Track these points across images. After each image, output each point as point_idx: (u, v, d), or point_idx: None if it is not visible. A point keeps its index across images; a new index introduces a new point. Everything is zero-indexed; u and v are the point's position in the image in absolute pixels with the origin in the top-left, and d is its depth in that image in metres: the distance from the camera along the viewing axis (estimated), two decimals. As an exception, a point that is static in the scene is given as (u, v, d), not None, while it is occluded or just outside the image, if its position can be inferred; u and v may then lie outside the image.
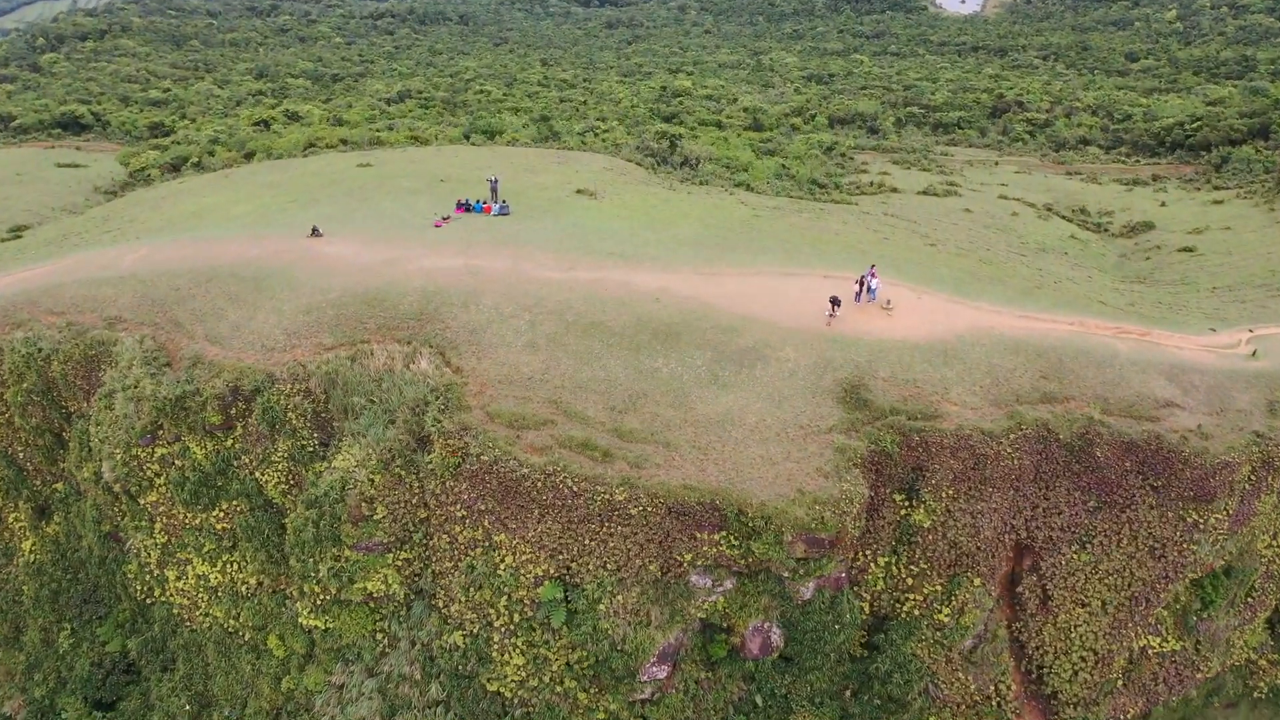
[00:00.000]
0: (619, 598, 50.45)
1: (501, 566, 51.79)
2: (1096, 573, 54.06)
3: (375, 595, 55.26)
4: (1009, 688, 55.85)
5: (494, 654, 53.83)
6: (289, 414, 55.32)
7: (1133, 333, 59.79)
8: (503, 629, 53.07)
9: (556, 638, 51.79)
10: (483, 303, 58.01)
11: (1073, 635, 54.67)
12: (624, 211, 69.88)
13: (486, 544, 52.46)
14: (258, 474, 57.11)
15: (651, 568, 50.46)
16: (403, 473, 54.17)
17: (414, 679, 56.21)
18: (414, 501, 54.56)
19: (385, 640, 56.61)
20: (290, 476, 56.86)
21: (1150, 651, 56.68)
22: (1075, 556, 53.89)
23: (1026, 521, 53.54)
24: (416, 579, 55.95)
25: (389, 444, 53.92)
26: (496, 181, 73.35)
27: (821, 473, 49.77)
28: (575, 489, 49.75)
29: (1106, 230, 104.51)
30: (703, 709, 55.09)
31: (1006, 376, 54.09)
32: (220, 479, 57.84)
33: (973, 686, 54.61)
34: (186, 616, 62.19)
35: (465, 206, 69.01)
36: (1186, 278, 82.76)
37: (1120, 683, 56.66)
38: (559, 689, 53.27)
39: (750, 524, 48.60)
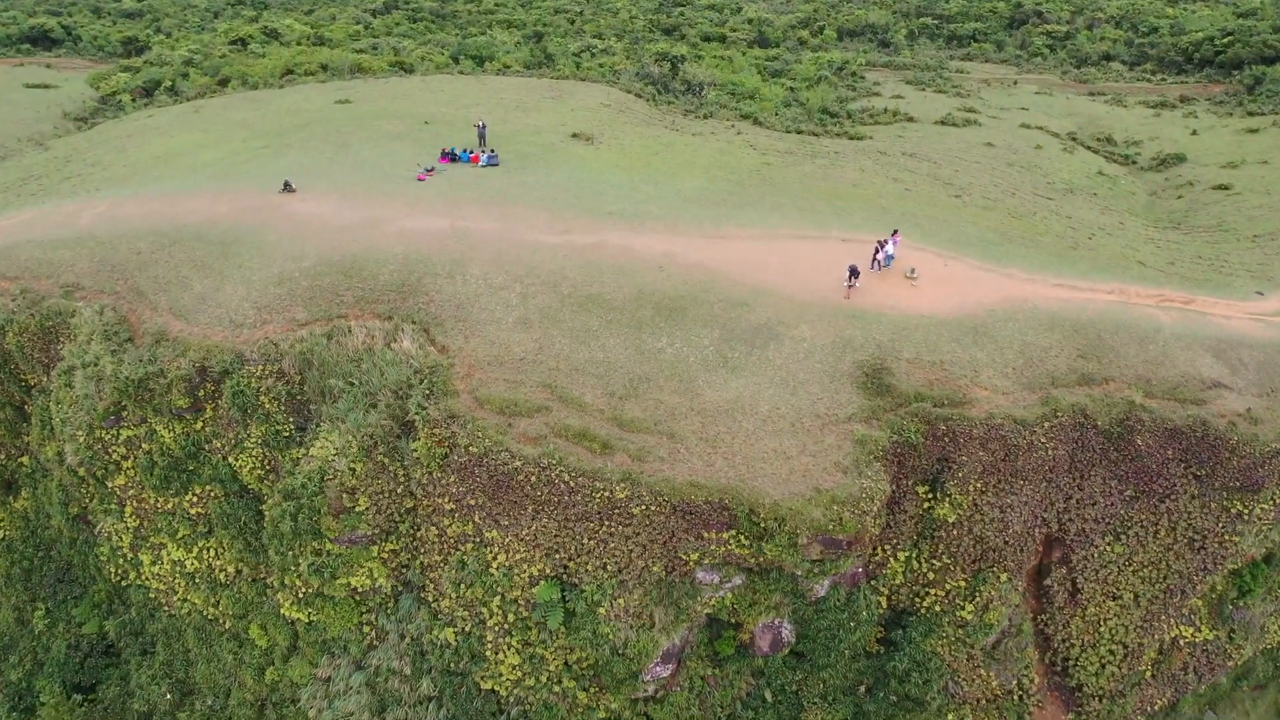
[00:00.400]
0: (620, 601, 47.02)
1: (494, 565, 48.27)
2: (1130, 565, 50.58)
3: (360, 590, 51.95)
4: (1032, 681, 53.02)
5: (487, 652, 50.73)
6: (261, 398, 51.05)
7: (1176, 300, 55.08)
8: (496, 628, 49.86)
9: (554, 638, 48.63)
10: (470, 272, 53.13)
11: (1101, 628, 51.52)
12: (623, 160, 64.33)
13: (477, 540, 48.86)
14: (231, 459, 53.17)
15: (655, 568, 46.90)
16: (386, 460, 50.23)
17: (404, 674, 53.30)
18: (399, 491, 50.75)
19: (373, 633, 53.51)
20: (265, 462, 52.95)
21: (1182, 641, 53.65)
22: (1108, 548, 50.34)
23: (1058, 514, 49.82)
24: (404, 571, 52.54)
25: (370, 430, 49.81)
26: (484, 127, 67.51)
27: (840, 468, 45.78)
28: (572, 484, 45.86)
29: (1134, 163, 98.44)
30: (709, 706, 52.31)
31: (1041, 356, 49.65)
32: (191, 463, 53.93)
33: (995, 683, 51.70)
34: (164, 601, 59.08)
35: (451, 156, 63.45)
36: (1224, 222, 77.42)
37: (1149, 674, 53.79)
38: (557, 689, 50.35)
39: (762, 524, 44.90)
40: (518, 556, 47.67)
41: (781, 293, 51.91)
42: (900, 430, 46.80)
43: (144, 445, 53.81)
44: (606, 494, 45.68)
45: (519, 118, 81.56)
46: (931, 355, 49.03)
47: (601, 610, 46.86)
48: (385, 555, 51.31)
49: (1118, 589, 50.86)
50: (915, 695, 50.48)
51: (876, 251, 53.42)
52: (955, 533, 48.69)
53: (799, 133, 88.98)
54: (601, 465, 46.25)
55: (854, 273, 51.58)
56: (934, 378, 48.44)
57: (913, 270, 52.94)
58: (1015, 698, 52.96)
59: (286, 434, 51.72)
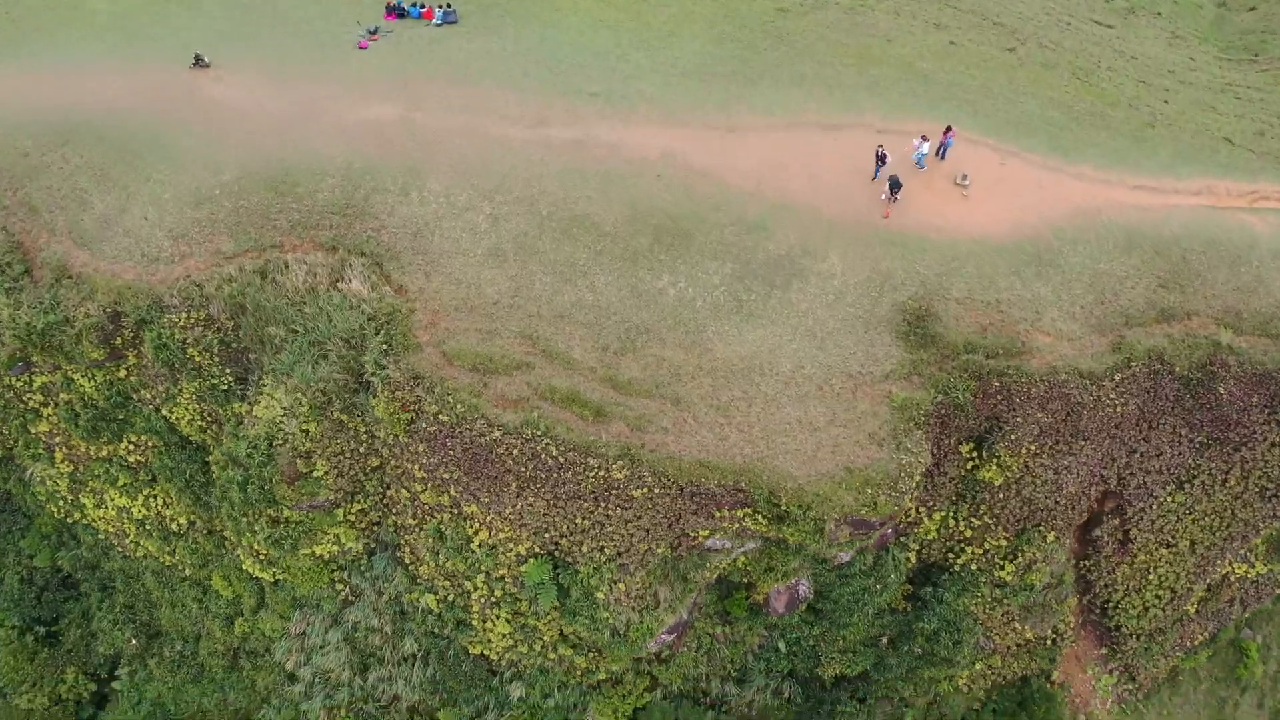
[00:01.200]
0: (620, 585, 41.68)
1: (475, 542, 42.49)
2: (1191, 513, 45.20)
3: (327, 557, 46.47)
4: (1068, 625, 49.04)
5: (474, 621, 46.08)
6: (189, 350, 43.14)
7: (1272, 199, 46.23)
8: (482, 600, 44.87)
9: (547, 614, 43.74)
10: (428, 186, 43.63)
11: (1150, 575, 46.92)
12: (607, 10, 52.51)
13: (455, 512, 42.80)
14: (165, 411, 45.99)
15: (659, 550, 41.23)
16: (344, 417, 43.26)
17: (384, 632, 48.97)
18: (361, 450, 44.14)
19: (346, 590, 48.62)
20: (204, 414, 45.84)
21: (1233, 578, 49.29)
22: (1169, 498, 44.69)
23: (1119, 470, 43.72)
24: (375, 529, 46.88)
25: (321, 384, 42.46)
26: (438, -39, 54.72)
27: (874, 439, 39.07)
28: (561, 460, 39.28)
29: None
30: (717, 662, 48.50)
31: (1115, 289, 41.67)
32: (120, 412, 46.78)
33: (1030, 634, 47.66)
34: (116, 543, 53.72)
35: (398, 11, 51.52)
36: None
37: (1193, 610, 49.81)
38: (552, 655, 46.13)
39: (784, 507, 38.79)
40: (502, 535, 41.80)
41: (806, 209, 42.88)
42: (946, 389, 39.70)
43: (62, 395, 46.40)
44: (602, 473, 39.19)
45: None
46: (986, 293, 40.98)
47: (600, 595, 41.61)
48: (353, 517, 45.42)
49: (1173, 537, 45.73)
50: (944, 655, 46.45)
51: (920, 144, 43.42)
52: (1001, 495, 42.75)
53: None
54: (595, 437, 39.43)
55: (895, 186, 42.23)
56: (988, 322, 40.68)
57: (964, 177, 43.62)
58: (1048, 643, 49.19)
59: (224, 387, 44.26)
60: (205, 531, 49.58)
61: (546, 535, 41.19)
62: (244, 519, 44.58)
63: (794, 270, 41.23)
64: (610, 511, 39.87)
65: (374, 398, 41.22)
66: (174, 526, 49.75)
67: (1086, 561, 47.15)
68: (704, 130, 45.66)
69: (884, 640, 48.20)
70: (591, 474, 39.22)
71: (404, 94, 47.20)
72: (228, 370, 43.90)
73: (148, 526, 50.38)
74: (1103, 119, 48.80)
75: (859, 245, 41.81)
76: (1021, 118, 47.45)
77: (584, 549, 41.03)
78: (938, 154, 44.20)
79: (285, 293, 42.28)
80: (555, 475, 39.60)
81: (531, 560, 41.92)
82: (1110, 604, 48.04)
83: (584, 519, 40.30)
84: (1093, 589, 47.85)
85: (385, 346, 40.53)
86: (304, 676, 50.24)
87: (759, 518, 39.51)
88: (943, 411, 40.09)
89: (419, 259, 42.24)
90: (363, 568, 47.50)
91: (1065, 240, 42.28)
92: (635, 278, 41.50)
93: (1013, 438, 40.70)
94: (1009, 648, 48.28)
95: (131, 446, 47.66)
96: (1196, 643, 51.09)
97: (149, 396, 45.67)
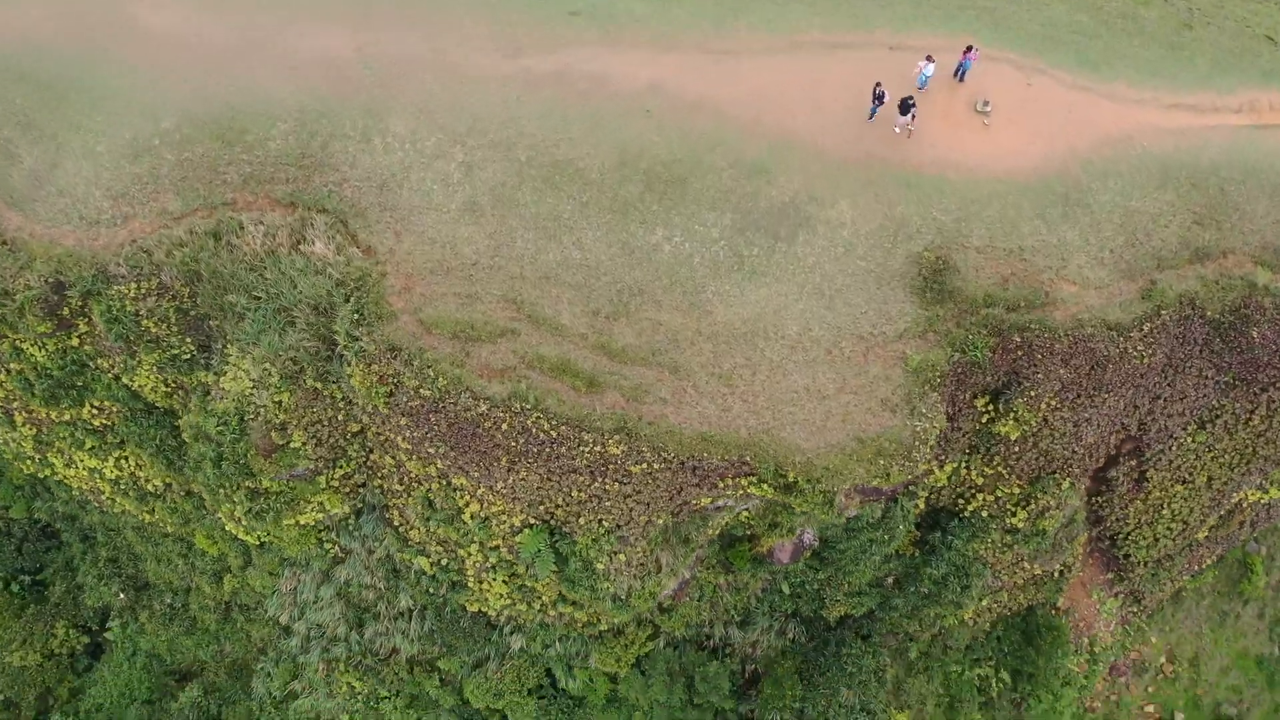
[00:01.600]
0: (620, 556, 40.01)
1: (466, 513, 40.51)
2: (1210, 451, 43.44)
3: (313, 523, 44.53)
4: (1077, 559, 48.08)
5: (470, 584, 44.71)
6: (143, 321, 39.75)
7: (1318, 112, 42.33)
8: (477, 566, 43.33)
9: (545, 578, 42.24)
10: (391, 130, 39.28)
11: (1164, 510, 45.57)
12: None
13: (443, 483, 40.62)
14: (125, 380, 42.95)
15: (660, 520, 39.38)
16: (319, 385, 40.53)
17: (377, 588, 47.70)
18: (340, 418, 41.59)
19: (336, 549, 47.01)
20: (169, 382, 42.86)
21: (1245, 504, 48.09)
22: (1189, 439, 42.82)
23: (1141, 416, 41.57)
24: (361, 491, 44.81)
25: (291, 353, 39.52)
26: None
27: (887, 406, 36.67)
28: (554, 435, 36.84)
29: None
30: (720, 609, 47.57)
31: (1147, 229, 38.38)
32: (78, 379, 43.67)
33: (1038, 571, 46.70)
34: (93, 499, 51.63)
35: (346, -89, 45.45)
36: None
37: (1203, 537, 48.83)
38: (552, 612, 45.05)
39: (791, 479, 36.75)
40: (494, 508, 39.77)
41: (811, 145, 38.86)
42: (964, 347, 36.98)
43: (11, 365, 43.15)
44: (597, 449, 36.83)
45: None
46: (1008, 239, 37.65)
47: (599, 566, 40.01)
48: (336, 483, 43.22)
49: (1190, 474, 44.19)
50: (952, 599, 45.53)
51: (925, 64, 38.73)
52: (1017, 449, 40.70)
53: None
54: (589, 409, 36.88)
55: (908, 108, 38.08)
56: (1010, 272, 37.55)
57: (985, 103, 39.37)
58: (1055, 575, 48.36)
59: (187, 356, 41.15)
60: (183, 493, 47.46)
61: (541, 507, 39.21)
62: (221, 490, 42.38)
63: (799, 220, 37.66)
64: (608, 486, 37.75)
65: (349, 368, 38.33)
66: (150, 488, 47.58)
67: (1098, 498, 45.70)
68: (697, 54, 40.90)
69: (890, 581, 47.26)
70: (586, 449, 36.87)
71: (357, 18, 41.95)
72: (188, 339, 40.68)
73: (122, 486, 48.18)
74: (1135, 21, 44.03)
75: (870, 186, 38.11)
76: (1047, 26, 42.72)
77: (581, 521, 39.15)
78: (956, 75, 39.82)
79: (243, 257, 38.60)
80: (548, 450, 37.21)
81: (527, 531, 40.08)
82: (1120, 535, 46.96)
83: (580, 492, 38.22)
84: (1103, 523, 46.66)
85: (357, 316, 37.28)
86: (299, 631, 49.34)
87: (765, 486, 37.52)
88: (959, 371, 37.53)
89: (387, 216, 38.40)
90: (351, 528, 45.70)
91: (1095, 175, 38.63)
92: (626, 232, 37.91)
93: (1032, 394, 38.29)
94: (1016, 583, 47.48)
95: (95, 411, 44.83)
96: (1204, 565, 50.48)
97: (107, 365, 42.53)
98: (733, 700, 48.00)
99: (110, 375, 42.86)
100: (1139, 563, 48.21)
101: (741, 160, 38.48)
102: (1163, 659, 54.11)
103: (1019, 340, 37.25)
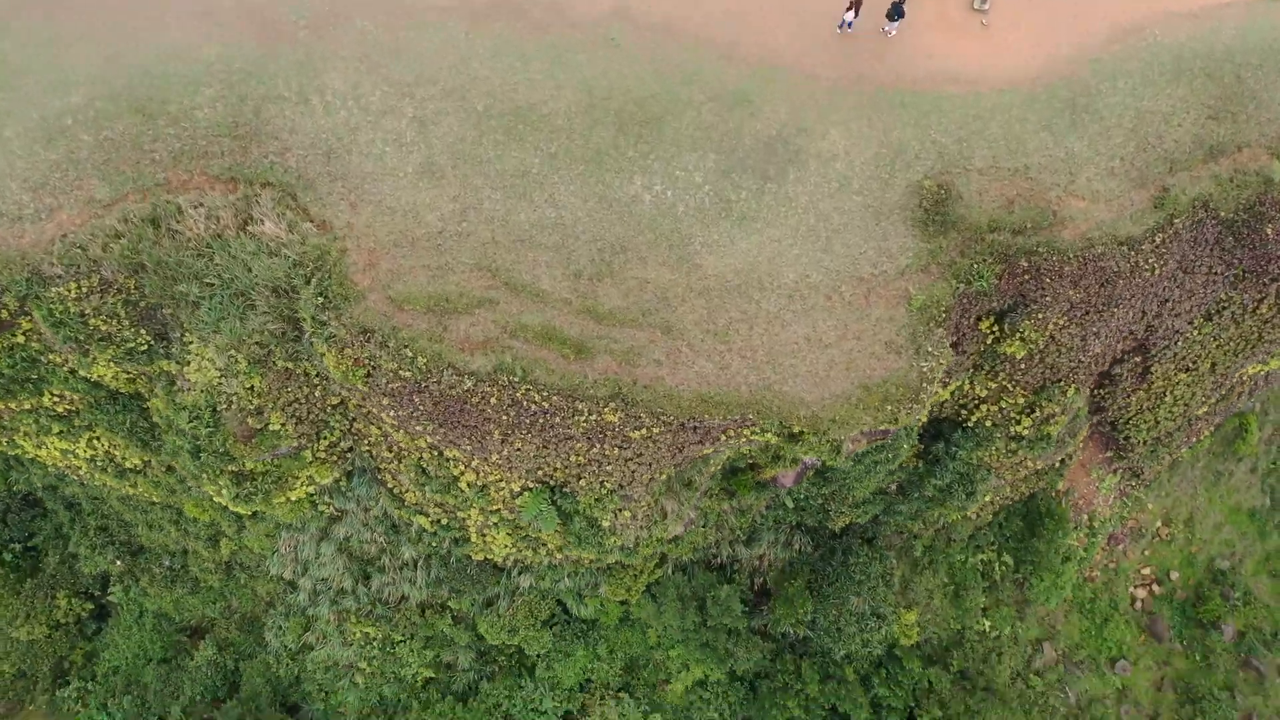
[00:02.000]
0: (625, 512, 39.18)
1: (462, 482, 39.30)
2: (1215, 340, 42.46)
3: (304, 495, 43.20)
4: (1078, 448, 47.89)
5: (472, 538, 44.05)
6: (90, 321, 36.81)
7: (1338, -30, 38.78)
8: (479, 524, 42.52)
9: (551, 534, 41.59)
10: (330, 85, 35.25)
11: (1166, 397, 45.03)
12: None
13: (435, 453, 39.16)
14: (83, 373, 40.34)
15: (662, 476, 38.35)
16: (290, 365, 38.29)
17: (378, 543, 47.08)
18: (318, 394, 39.60)
19: (331, 509, 45.98)
20: (129, 371, 40.33)
21: (1246, 376, 47.61)
22: (1195, 331, 41.68)
23: (1149, 321, 40.15)
24: (349, 455, 43.33)
25: (256, 337, 37.08)
26: None
27: (892, 348, 35.02)
28: (546, 406, 35.19)
29: None
30: (726, 530, 47.43)
31: (1159, 130, 35.65)
32: (31, 372, 41.00)
33: (1040, 466, 46.53)
34: (70, 474, 49.80)
35: None
36: None
37: (1202, 412, 48.56)
38: (559, 555, 44.73)
39: (796, 430, 35.54)
40: (491, 477, 38.53)
41: (796, 68, 35.31)
42: (969, 277, 35.01)
43: (-44, 366, 40.35)
44: (594, 417, 35.26)
45: None
46: (1013, 158, 34.93)
47: (605, 524, 39.25)
48: (322, 454, 41.65)
49: (1195, 363, 43.37)
50: (958, 504, 45.44)
51: None
52: (1023, 365, 39.43)
53: None
54: (581, 377, 35.00)
55: (897, 13, 34.54)
56: (1015, 193, 35.05)
57: (982, 1, 35.68)
58: (1057, 466, 48.30)
59: (144, 348, 38.42)
60: (164, 469, 45.79)
61: (539, 472, 38.03)
62: (204, 475, 40.75)
63: (789, 155, 34.66)
64: (607, 451, 36.45)
65: (320, 352, 36.04)
66: (128, 465, 45.84)
67: (1101, 391, 44.97)
68: (661, -37, 36.55)
69: (893, 488, 47.02)
70: (581, 418, 35.28)
71: (275, -53, 36.93)
72: (142, 330, 37.81)
73: (99, 463, 46.39)
74: (1141, -124, 39.60)
75: (864, 113, 34.94)
76: (1046, -108, 38.31)
77: (582, 483, 38.10)
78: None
79: (187, 243, 35.35)
80: (541, 420, 35.61)
81: (527, 494, 39.03)
82: (1121, 421, 46.62)
83: (579, 457, 36.95)
84: (1104, 411, 46.17)
85: (321, 299, 34.56)
86: (304, 586, 49.03)
87: (768, 436, 36.34)
88: (964, 300, 35.71)
89: (339, 186, 34.98)
90: (344, 489, 44.52)
91: (1104, 75, 35.51)
92: (602, 184, 34.85)
93: (1040, 316, 36.67)
94: (1018, 479, 47.43)
95: (56, 398, 42.44)
96: (1202, 436, 50.57)
97: (59, 360, 39.83)
98: (745, 619, 48.64)
99: (65, 369, 40.24)
100: (1139, 442, 48.11)
101: (721, 91, 35.01)
102: (1159, 523, 55.16)
103: (1026, 265, 35.24)
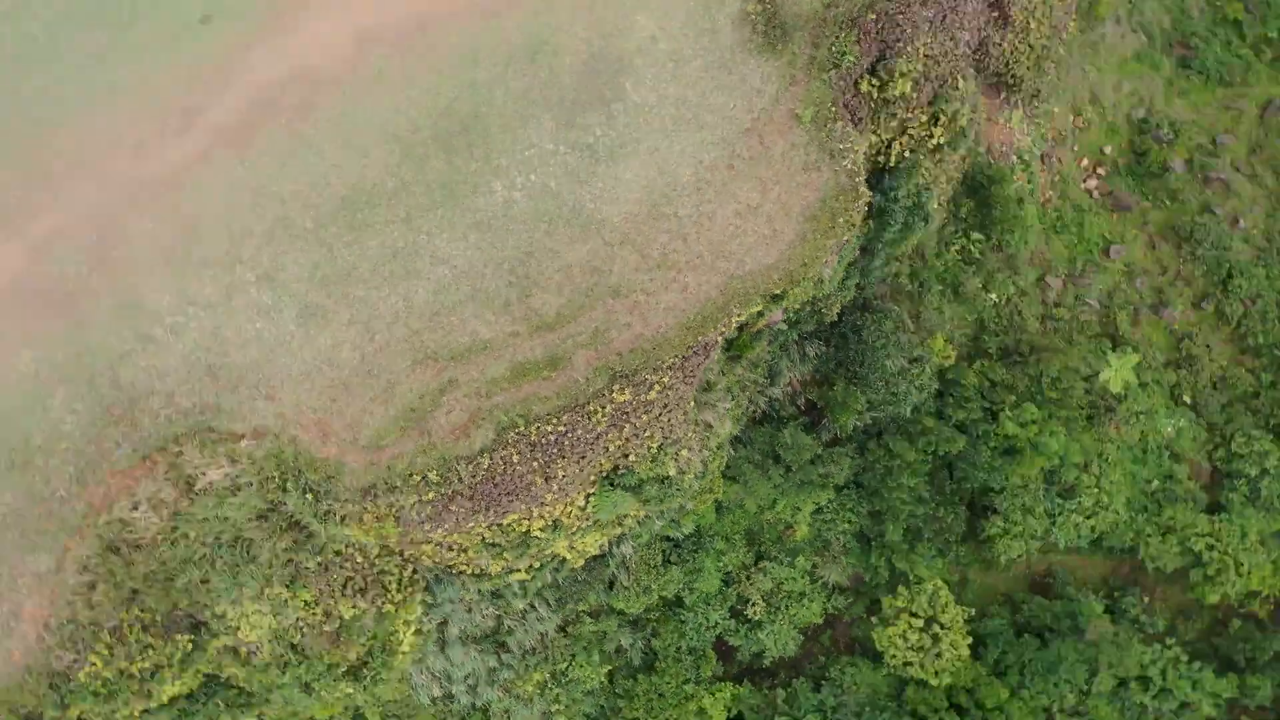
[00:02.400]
0: (683, 453, 39.02)
1: (534, 531, 38.70)
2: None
3: (406, 636, 42.26)
4: (980, 111, 48.00)
5: (567, 555, 43.92)
6: (125, 672, 34.30)
7: None
8: (567, 545, 42.28)
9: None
10: (157, 306, 31.78)
11: (1030, 23, 44.79)
12: None
13: (495, 527, 38.26)
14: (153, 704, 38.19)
15: (690, 405, 38.07)
16: (321, 558, 36.69)
17: (491, 615, 46.81)
18: (359, 560, 38.32)
19: (433, 623, 45.28)
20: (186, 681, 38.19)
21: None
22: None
23: (995, -22, 39.28)
24: (416, 579, 42.21)
25: (275, 564, 35.36)
26: None
27: (810, 168, 34.51)
28: (562, 429, 34.41)
29: None
30: (750, 386, 47.63)
31: None
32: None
33: (963, 153, 46.70)
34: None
35: None
36: None
37: (1060, 9, 48.37)
38: (643, 511, 44.80)
39: (779, 292, 35.12)
40: (556, 512, 37.87)
41: (555, -21, 32.36)
42: (834, 60, 33.75)
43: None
44: (608, 408, 34.46)
45: None
46: (799, -74, 32.88)
47: (670, 473, 39.11)
48: (398, 599, 40.32)
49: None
50: (919, 231, 45.56)
51: None
52: (914, 93, 38.64)
53: None
54: (573, 384, 34.03)
55: None
56: (826, -47, 33.21)
57: None
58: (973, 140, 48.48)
59: (187, 649, 35.90)
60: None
61: (591, 477, 37.45)
62: (324, 695, 39.60)
63: (613, 67, 32.30)
64: (636, 423, 35.84)
65: (345, 534, 34.48)
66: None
67: (976, 54, 44.54)
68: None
69: (857, 254, 46.90)
70: (598, 416, 34.44)
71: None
72: (175, 638, 35.25)
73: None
74: None
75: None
76: None
77: (631, 458, 37.64)
78: None
79: (154, 541, 32.81)
80: (568, 441, 34.77)
81: (592, 498, 38.56)
82: (1004, 67, 46.52)
83: (616, 444, 36.34)
84: (986, 70, 45.95)
85: (309, 495, 32.64)
86: (459, 688, 48.69)
87: (754, 309, 35.80)
88: (841, 83, 34.49)
89: (243, 390, 32.17)
90: (432, 602, 43.65)
91: None
92: (468, 211, 32.45)
93: (910, 47, 35.68)
94: (952, 173, 47.77)
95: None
96: (1070, 28, 50.79)
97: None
98: (817, 442, 49.46)
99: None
100: (1025, 70, 48.24)
101: (512, 53, 32.19)
102: (1072, 118, 56.15)
103: (874, 15, 33.94)
